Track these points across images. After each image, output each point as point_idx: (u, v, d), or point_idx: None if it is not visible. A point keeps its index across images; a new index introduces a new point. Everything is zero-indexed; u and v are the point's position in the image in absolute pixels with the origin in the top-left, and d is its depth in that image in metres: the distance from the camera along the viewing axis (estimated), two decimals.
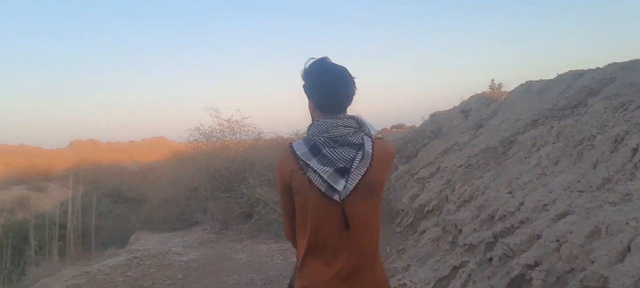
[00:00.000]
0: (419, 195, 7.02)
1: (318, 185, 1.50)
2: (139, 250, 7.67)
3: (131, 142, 59.58)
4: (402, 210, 7.16)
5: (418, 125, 20.82)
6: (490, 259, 3.58)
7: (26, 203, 21.76)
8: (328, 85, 1.61)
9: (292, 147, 1.60)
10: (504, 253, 3.47)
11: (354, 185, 1.50)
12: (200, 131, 9.54)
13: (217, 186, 8.61)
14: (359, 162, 1.52)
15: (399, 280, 4.61)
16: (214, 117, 9.45)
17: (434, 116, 17.03)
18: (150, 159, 49.95)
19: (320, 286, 1.56)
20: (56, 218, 17.66)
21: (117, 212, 19.28)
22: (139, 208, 12.12)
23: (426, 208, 6.17)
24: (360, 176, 1.52)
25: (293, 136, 10.52)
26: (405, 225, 6.57)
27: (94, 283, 5.84)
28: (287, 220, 1.75)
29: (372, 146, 1.60)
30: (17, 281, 8.10)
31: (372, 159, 1.56)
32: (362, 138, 1.59)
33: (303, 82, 1.69)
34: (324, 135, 1.56)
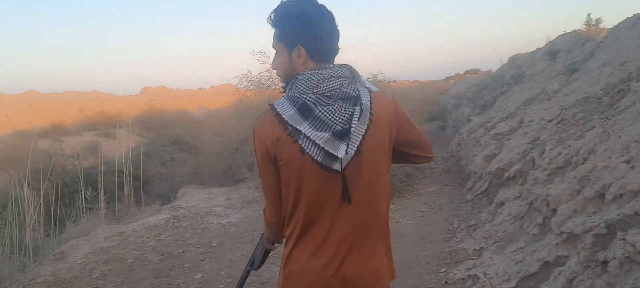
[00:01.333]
0: (496, 155, 5.89)
1: (313, 155, 1.28)
2: (181, 207, 7.19)
3: (200, 89, 60.90)
4: (475, 172, 6.08)
5: (495, 70, 19.00)
6: (605, 262, 2.54)
7: (95, 149, 22.46)
8: (324, 26, 1.35)
9: (275, 108, 1.33)
10: (627, 257, 2.42)
11: (355, 149, 1.29)
12: (249, 78, 8.76)
13: None
14: (359, 119, 1.29)
15: (468, 269, 3.66)
16: (263, 63, 8.62)
17: (514, 59, 15.30)
18: (218, 106, 51.03)
19: (311, 276, 1.37)
20: (121, 166, 18.05)
21: (180, 159, 19.41)
22: (191, 160, 11.78)
23: (506, 174, 5.06)
24: (361, 136, 1.30)
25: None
26: (479, 193, 5.52)
27: (123, 247, 5.36)
28: (269, 199, 1.46)
29: (370, 98, 1.35)
30: (54, 236, 7.91)
31: (371, 114, 1.33)
32: (358, 89, 1.34)
33: (279, 29, 1.37)
34: (314, 91, 1.30)
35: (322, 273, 1.35)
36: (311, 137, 1.26)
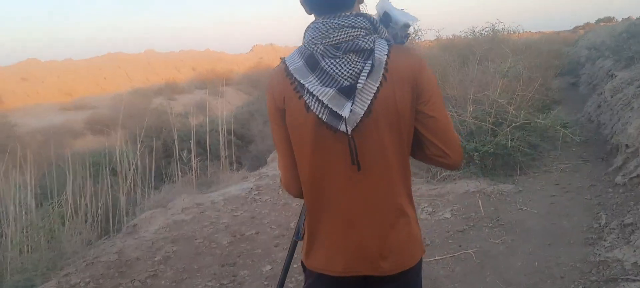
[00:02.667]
0: None
1: (318, 113, 1.16)
2: (266, 175, 6.61)
3: None
4: (627, 146, 4.69)
5: (636, 17, 16.10)
6: None
7: (204, 107, 23.13)
8: None
9: (285, 61, 1.25)
10: None
11: (364, 108, 1.14)
12: None
13: None
14: (368, 74, 1.13)
15: None
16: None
17: None
18: None
19: (319, 253, 1.31)
20: (228, 125, 18.29)
21: None
22: None
23: None
24: (372, 95, 1.14)
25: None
26: (634, 175, 4.18)
27: (196, 223, 4.88)
28: (281, 162, 1.36)
29: (388, 53, 1.17)
30: (145, 199, 7.77)
31: (386, 70, 1.16)
32: (374, 41, 1.17)
33: None
34: (323, 41, 1.17)
35: (332, 249, 1.28)
36: (315, 93, 1.15)
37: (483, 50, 7.13)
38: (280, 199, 5.36)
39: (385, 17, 1.26)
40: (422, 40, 7.48)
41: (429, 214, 4.36)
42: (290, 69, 1.21)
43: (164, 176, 11.75)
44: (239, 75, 33.86)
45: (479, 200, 4.42)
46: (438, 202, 4.60)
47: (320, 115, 1.16)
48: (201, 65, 36.98)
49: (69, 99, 24.13)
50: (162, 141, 16.58)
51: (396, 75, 1.17)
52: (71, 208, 6.91)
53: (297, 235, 1.63)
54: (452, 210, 4.36)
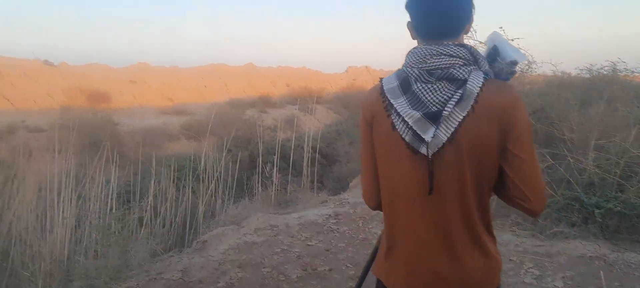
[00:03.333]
0: None
1: (402, 133, 1.22)
2: (346, 202, 6.14)
3: None
4: None
5: None
6: None
7: (292, 123, 23.26)
8: (423, 3, 1.27)
9: (381, 81, 1.32)
10: None
11: (447, 135, 1.17)
12: None
13: None
14: (456, 103, 1.16)
15: None
16: (468, 38, 6.81)
17: None
18: None
19: (390, 277, 1.34)
20: (314, 142, 18.16)
21: None
22: None
23: None
24: (457, 123, 1.17)
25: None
26: None
27: (267, 247, 4.50)
28: (364, 176, 1.43)
29: (482, 85, 1.18)
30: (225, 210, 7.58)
31: (475, 102, 1.16)
32: (470, 72, 1.19)
33: None
34: (420, 65, 1.23)
35: (407, 270, 1.29)
36: (402, 114, 1.21)
37: (611, 90, 6.16)
38: (360, 233, 4.84)
39: (494, 51, 1.26)
40: (536, 73, 6.64)
41: (535, 278, 3.62)
42: (384, 88, 1.27)
43: (245, 187, 11.68)
44: (330, 94, 33.96)
45: (600, 271, 3.60)
46: (546, 264, 3.83)
47: (403, 136, 1.21)
48: (296, 82, 37.58)
49: (170, 104, 25.40)
50: (248, 152, 16.78)
51: (485, 108, 1.17)
52: (151, 212, 6.88)
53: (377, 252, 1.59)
54: (564, 277, 3.58)
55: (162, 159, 13.60)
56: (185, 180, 8.08)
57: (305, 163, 9.59)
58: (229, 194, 8.19)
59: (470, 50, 1.23)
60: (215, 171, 8.29)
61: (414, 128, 1.18)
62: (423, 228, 1.25)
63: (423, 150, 1.18)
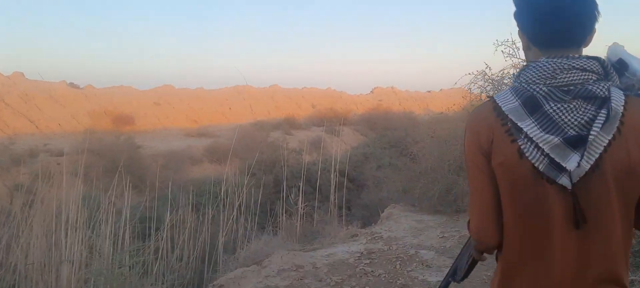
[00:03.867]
0: None
1: (534, 161, 1.05)
2: (380, 237, 5.55)
3: (429, 92, 59.64)
4: None
5: None
6: None
7: (318, 145, 22.81)
8: (545, 4, 1.10)
9: (495, 100, 1.13)
10: None
11: (591, 162, 1.03)
12: (486, 76, 6.40)
13: None
14: (602, 125, 1.02)
15: None
16: (508, 55, 6.17)
17: None
18: (445, 110, 49.02)
19: None
20: (341, 165, 17.62)
21: (399, 165, 18.16)
22: (402, 172, 10.17)
23: None
24: (602, 148, 1.03)
25: None
26: None
27: None
28: (476, 207, 1.19)
29: (625, 103, 1.06)
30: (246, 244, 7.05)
31: (621, 123, 1.04)
32: (608, 88, 1.06)
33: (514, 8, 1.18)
34: (548, 82, 1.07)
35: None
36: (535, 139, 1.05)
37: None
38: (398, 277, 4.24)
39: (620, 65, 1.14)
40: None
41: None
42: (503, 108, 1.10)
43: (268, 214, 11.16)
44: (356, 116, 33.48)
45: None
46: None
47: (536, 164, 1.06)
48: (321, 103, 37.25)
49: (195, 126, 25.29)
50: (273, 176, 16.35)
51: (632, 129, 1.05)
52: (168, 243, 6.45)
53: (454, 276, 1.47)
54: None
55: (183, 184, 13.29)
56: (205, 207, 7.69)
57: (332, 190, 9.02)
58: (252, 222, 7.74)
59: (602, 63, 1.09)
60: (237, 197, 7.87)
61: (551, 155, 1.03)
62: (560, 267, 1.08)
63: (562, 180, 1.04)
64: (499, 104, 1.11)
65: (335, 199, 8.92)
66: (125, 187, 6.66)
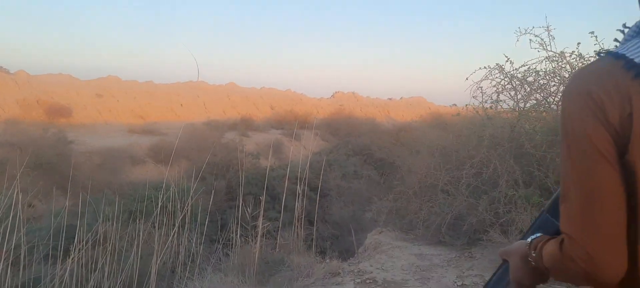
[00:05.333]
0: None
1: None
2: (373, 279, 4.12)
3: (390, 99, 59.39)
4: None
5: None
6: None
7: (278, 149, 21.30)
8: None
9: (622, 55, 0.79)
10: None
11: None
12: (504, 72, 4.99)
13: (532, 179, 4.30)
14: None
15: None
16: (539, 46, 4.77)
17: None
18: (406, 118, 48.63)
19: None
20: (300, 172, 16.19)
21: (365, 173, 16.96)
22: (385, 184, 8.85)
23: None
24: None
25: None
26: None
27: None
28: (596, 217, 0.78)
29: None
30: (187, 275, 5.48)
31: None
32: None
33: None
34: None
35: None
36: None
37: None
38: None
39: None
40: None
41: None
42: None
43: (219, 226, 9.74)
44: (317, 120, 32.20)
45: None
46: None
47: None
48: (280, 105, 35.73)
49: (141, 122, 23.22)
50: (226, 181, 14.75)
51: None
52: (86, 268, 5.07)
53: None
54: None
55: (118, 187, 11.49)
56: (137, 218, 6.22)
57: (297, 203, 7.49)
58: (198, 237, 6.26)
59: None
60: (181, 206, 6.40)
61: None
62: None
63: None
64: (633, 58, 0.77)
65: (301, 216, 7.41)
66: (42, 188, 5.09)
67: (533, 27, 4.68)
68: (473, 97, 5.04)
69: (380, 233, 5.42)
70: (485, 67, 4.90)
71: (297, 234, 7.06)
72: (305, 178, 8.10)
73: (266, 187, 16.30)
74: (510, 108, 4.93)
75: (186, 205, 6.36)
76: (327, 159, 19.28)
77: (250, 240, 6.25)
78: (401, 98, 60.28)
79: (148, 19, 66.59)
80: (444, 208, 4.51)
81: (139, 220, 6.12)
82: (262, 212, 6.32)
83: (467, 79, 5.04)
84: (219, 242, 7.17)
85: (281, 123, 27.86)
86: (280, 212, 7.58)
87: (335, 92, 51.86)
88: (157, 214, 6.12)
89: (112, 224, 5.92)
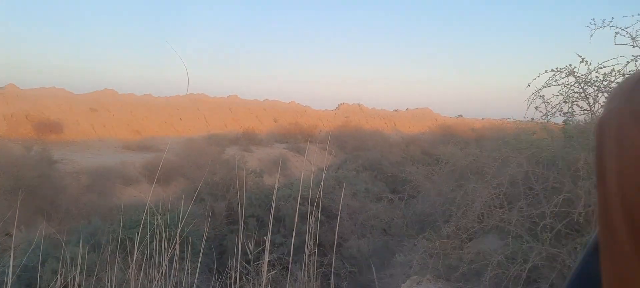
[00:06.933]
0: None
1: None
2: None
3: (396, 111, 58.47)
4: None
5: None
6: None
7: (283, 165, 20.22)
8: None
9: None
10: None
11: None
12: (576, 76, 3.91)
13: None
14: None
15: None
16: (633, 40, 3.63)
17: None
18: (413, 130, 47.59)
19: None
20: (307, 191, 15.13)
21: (374, 190, 15.86)
22: (408, 208, 7.76)
23: None
24: None
25: None
26: None
27: None
28: None
29: None
30: None
31: None
32: None
33: None
34: None
35: None
36: None
37: None
38: None
39: None
40: None
41: None
42: None
43: (215, 256, 8.64)
44: (323, 133, 31.18)
45: None
46: None
47: None
48: (284, 118, 34.75)
49: (137, 138, 22.23)
50: (227, 202, 13.69)
51: None
52: None
53: None
54: None
55: (106, 212, 10.43)
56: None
57: (309, 237, 6.37)
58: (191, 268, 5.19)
59: None
60: (173, 235, 5.33)
61: None
62: None
63: None
64: None
65: (314, 250, 6.31)
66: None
67: (611, 19, 3.63)
68: (536, 108, 3.97)
69: (420, 282, 4.30)
70: (552, 70, 3.83)
71: (309, 274, 5.95)
72: (318, 200, 6.90)
73: (269, 207, 15.02)
74: (585, 122, 3.86)
75: (177, 232, 5.34)
76: (335, 176, 18.19)
77: (251, 281, 5.15)
78: (407, 109, 59.32)
79: (147, 30, 65.98)
80: (516, 257, 3.37)
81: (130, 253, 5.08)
82: (267, 253, 5.23)
83: (528, 85, 3.98)
84: (216, 278, 6.16)
85: (285, 136, 26.85)
86: (286, 236, 6.45)
87: (341, 104, 50.95)
88: (148, 243, 5.09)
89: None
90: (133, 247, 5.82)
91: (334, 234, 11.34)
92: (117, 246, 6.30)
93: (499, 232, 4.04)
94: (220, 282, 5.77)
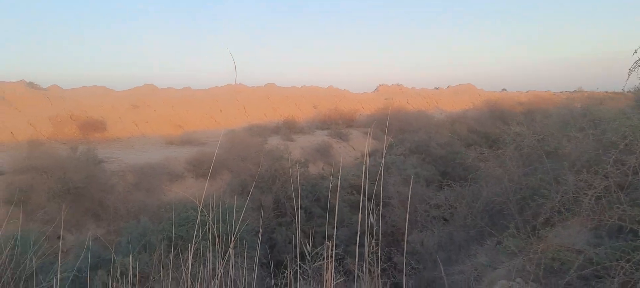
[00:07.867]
0: None
1: None
2: None
3: (437, 88, 57.10)
4: None
5: None
6: None
7: (325, 153, 19.84)
8: None
9: None
10: None
11: None
12: None
13: None
14: None
15: None
16: None
17: None
18: (456, 107, 46.24)
19: None
20: (353, 177, 14.69)
21: (425, 174, 15.27)
22: (471, 194, 7.21)
23: None
24: None
25: None
26: None
27: None
28: None
29: None
30: None
31: None
32: None
33: None
34: None
35: None
36: None
37: None
38: None
39: None
40: None
41: None
42: None
43: (269, 257, 8.45)
44: (364, 116, 30.60)
45: None
46: None
47: None
48: (323, 103, 34.32)
49: (179, 132, 22.28)
50: (273, 194, 13.43)
51: None
52: None
53: None
54: None
55: (154, 210, 10.30)
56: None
57: (368, 237, 5.93)
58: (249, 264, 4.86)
59: None
60: (224, 231, 5.00)
61: None
62: None
63: None
64: None
65: (375, 247, 5.88)
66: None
67: None
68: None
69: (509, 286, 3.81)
70: None
71: (371, 272, 5.54)
72: (371, 190, 6.47)
73: (316, 198, 14.58)
74: None
75: (233, 230, 5.03)
76: (384, 162, 17.62)
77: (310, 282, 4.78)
78: (448, 86, 57.78)
79: (182, 24, 66.60)
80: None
81: (182, 252, 4.79)
82: (333, 259, 4.83)
83: (635, 52, 3.41)
84: (272, 276, 5.90)
85: (326, 122, 26.41)
86: (336, 227, 6.11)
87: (379, 85, 50.05)
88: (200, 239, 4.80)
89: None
90: (184, 245, 5.56)
91: (386, 224, 10.85)
92: (169, 245, 6.07)
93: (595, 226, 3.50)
94: (275, 281, 5.47)
